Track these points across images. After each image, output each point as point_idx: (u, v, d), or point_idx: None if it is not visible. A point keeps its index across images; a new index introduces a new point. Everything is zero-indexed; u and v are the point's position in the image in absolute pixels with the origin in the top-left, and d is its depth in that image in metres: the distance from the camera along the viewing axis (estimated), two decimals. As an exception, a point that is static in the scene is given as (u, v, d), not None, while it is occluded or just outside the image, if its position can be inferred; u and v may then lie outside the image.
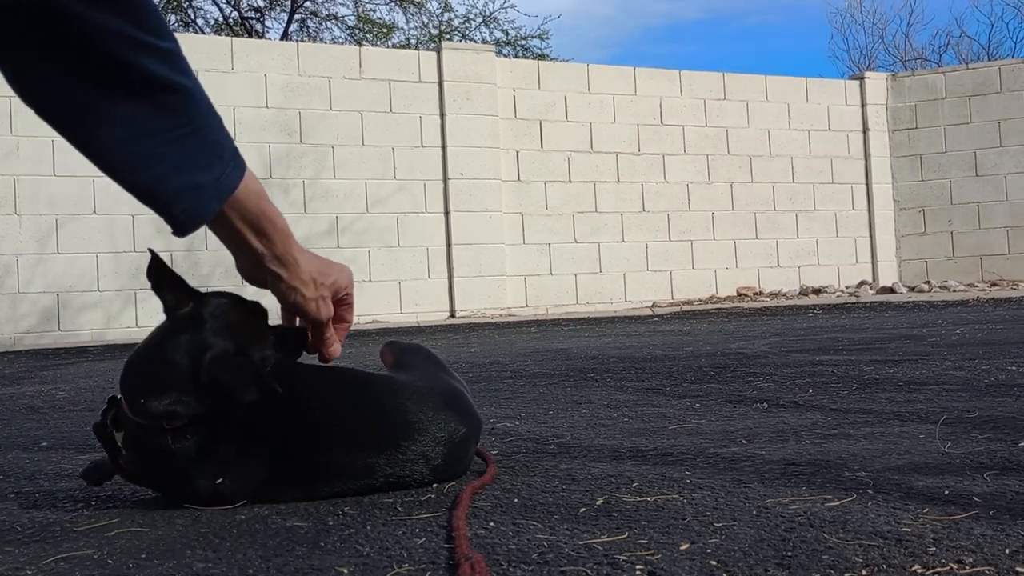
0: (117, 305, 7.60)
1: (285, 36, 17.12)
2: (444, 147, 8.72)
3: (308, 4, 17.68)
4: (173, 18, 17.24)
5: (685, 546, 0.99)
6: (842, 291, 9.81)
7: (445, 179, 8.71)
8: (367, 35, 17.68)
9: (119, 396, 1.29)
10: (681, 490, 1.26)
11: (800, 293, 9.68)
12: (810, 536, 1.00)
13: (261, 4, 17.72)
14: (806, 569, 0.89)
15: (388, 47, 16.45)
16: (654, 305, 9.20)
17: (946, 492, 1.18)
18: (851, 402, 2.10)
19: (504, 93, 9.03)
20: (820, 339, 4.29)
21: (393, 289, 8.41)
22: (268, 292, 1.31)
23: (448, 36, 17.41)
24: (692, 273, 9.69)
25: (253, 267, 1.27)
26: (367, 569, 0.96)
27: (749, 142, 10.01)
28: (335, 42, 17.19)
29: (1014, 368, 2.62)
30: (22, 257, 7.38)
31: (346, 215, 8.36)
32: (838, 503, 1.15)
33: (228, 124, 1.23)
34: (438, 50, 8.94)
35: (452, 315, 8.65)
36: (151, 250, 1.29)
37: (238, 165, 1.21)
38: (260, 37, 16.14)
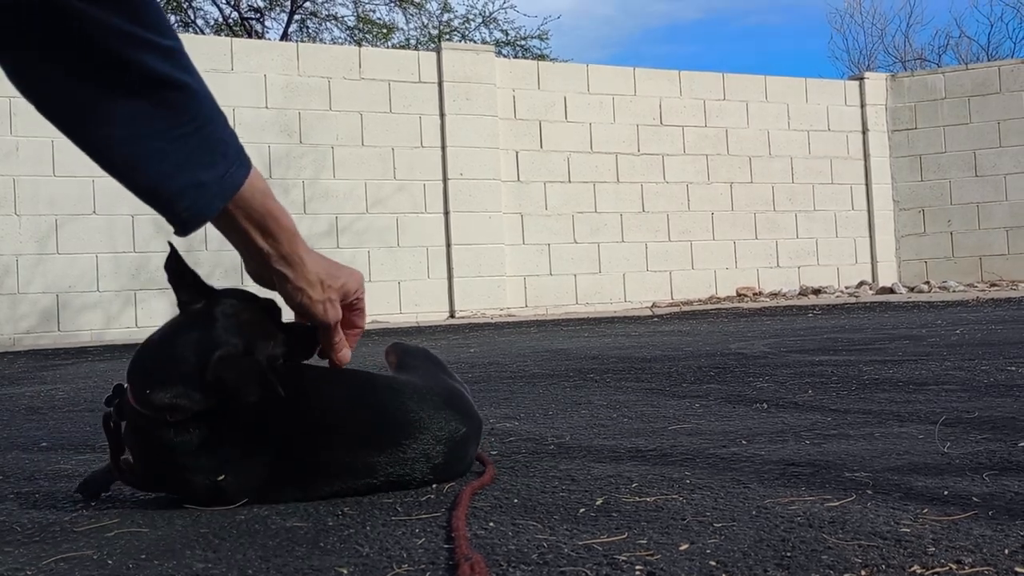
0: (117, 305, 7.61)
1: (285, 36, 17.12)
2: (444, 147, 8.72)
3: (308, 5, 17.69)
4: (173, 18, 17.23)
5: (684, 546, 0.99)
6: (842, 291, 9.82)
7: (445, 179, 8.71)
8: (367, 35, 17.68)
9: (125, 385, 1.30)
10: (681, 490, 1.26)
11: (800, 293, 9.68)
12: (809, 536, 1.00)
13: (261, 4, 17.72)
14: (805, 569, 0.89)
15: (388, 47, 16.46)
16: (654, 305, 9.20)
17: (945, 492, 1.18)
18: (850, 402, 2.10)
19: (504, 93, 9.03)
20: (820, 339, 4.29)
21: (393, 289, 8.41)
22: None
23: (448, 36, 17.41)
24: (692, 273, 9.69)
25: (260, 267, 1.26)
26: (367, 569, 0.96)
27: (749, 142, 10.01)
28: (335, 42, 17.19)
29: (1013, 368, 2.62)
30: (22, 257, 7.38)
31: (346, 215, 8.36)
32: (837, 503, 1.15)
33: (229, 125, 1.22)
34: (438, 50, 8.95)
35: (452, 315, 8.65)
36: (171, 243, 1.29)
37: (243, 163, 1.20)
38: (260, 37, 16.14)
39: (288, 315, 1.35)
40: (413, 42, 17.83)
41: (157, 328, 1.33)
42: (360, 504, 1.26)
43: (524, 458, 1.58)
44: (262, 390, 1.22)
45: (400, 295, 8.45)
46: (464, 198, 8.74)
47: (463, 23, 17.97)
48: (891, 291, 9.47)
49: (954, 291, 9.22)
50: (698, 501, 1.19)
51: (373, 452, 1.30)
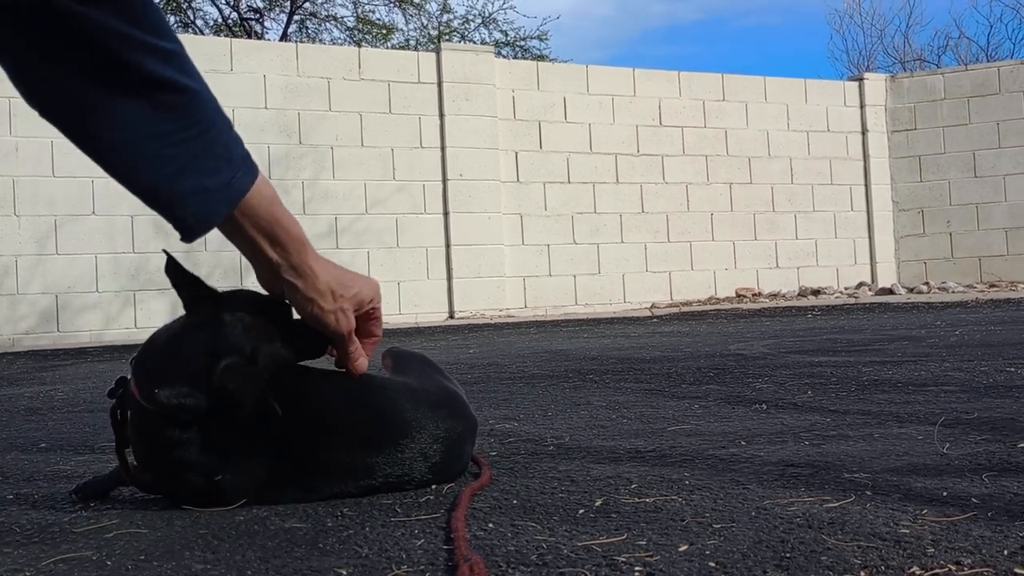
0: (116, 306, 7.60)
1: (284, 37, 17.12)
2: (443, 148, 8.72)
3: (307, 5, 17.70)
4: (173, 19, 17.24)
5: (684, 547, 0.99)
6: (841, 292, 9.82)
7: (444, 180, 8.71)
8: (366, 36, 17.68)
9: (129, 376, 1.30)
10: (680, 491, 1.26)
11: (799, 294, 9.68)
12: (809, 537, 1.00)
13: (260, 5, 17.73)
14: (804, 570, 0.89)
15: (387, 48, 16.46)
16: (653, 306, 9.20)
17: (945, 493, 1.18)
18: (850, 403, 2.10)
19: (503, 94, 9.03)
20: (819, 340, 4.29)
21: (392, 290, 8.41)
22: None
23: (447, 37, 17.41)
24: (691, 274, 9.69)
25: (271, 277, 1.25)
26: (366, 570, 0.96)
27: (748, 143, 10.01)
28: (334, 43, 17.20)
29: (1013, 369, 2.62)
30: (21, 258, 7.38)
31: (345, 216, 8.36)
32: (837, 504, 1.15)
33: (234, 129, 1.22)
34: (437, 51, 8.95)
35: (451, 316, 8.65)
36: (166, 251, 1.28)
37: (249, 170, 1.19)
38: (259, 38, 16.14)
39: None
40: (413, 43, 17.84)
41: (163, 326, 1.32)
42: (359, 505, 1.26)
43: (523, 459, 1.58)
44: (261, 405, 1.22)
45: (399, 296, 8.45)
46: (463, 199, 8.74)
47: (463, 24, 17.99)
48: (890, 292, 9.47)
49: (953, 292, 9.23)
50: (697, 502, 1.19)
51: (372, 452, 1.31)
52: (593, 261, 9.26)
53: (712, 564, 0.93)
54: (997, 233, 10.28)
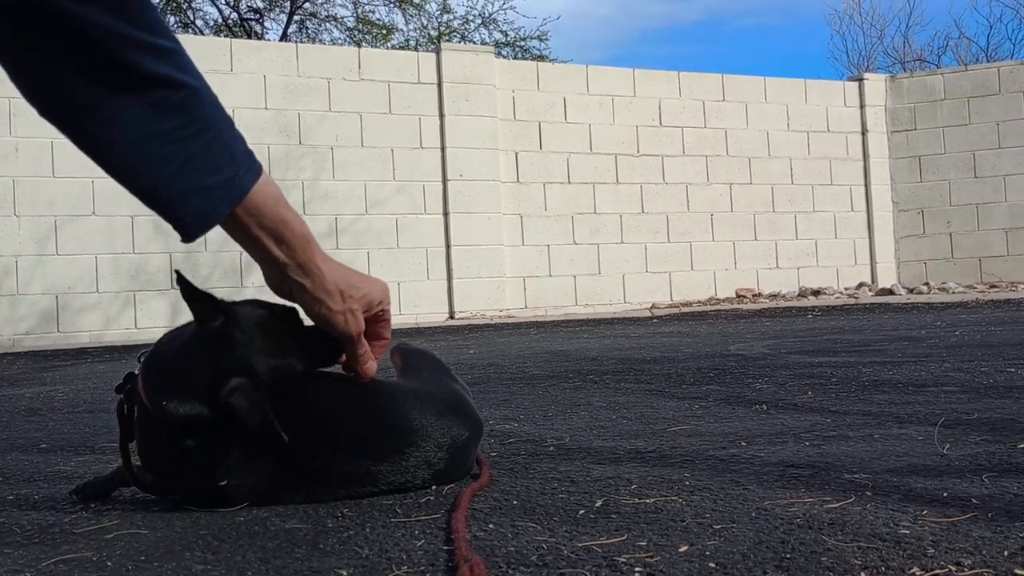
0: (116, 307, 7.60)
1: (284, 37, 17.12)
2: (443, 148, 8.72)
3: (307, 5, 17.70)
4: (172, 19, 17.24)
5: (684, 548, 0.99)
6: (841, 292, 9.82)
7: (444, 180, 8.71)
8: (366, 36, 17.69)
9: (137, 372, 1.30)
10: (680, 492, 1.26)
11: (799, 295, 9.68)
12: (809, 538, 1.00)
13: (260, 5, 17.73)
14: (805, 571, 0.89)
15: (387, 48, 16.45)
16: (653, 306, 9.20)
17: (945, 494, 1.18)
18: (850, 404, 2.10)
19: (503, 94, 9.03)
20: (819, 341, 4.29)
21: (392, 290, 8.34)
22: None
23: (447, 37, 17.41)
24: (691, 274, 9.69)
25: (278, 277, 1.23)
26: (366, 571, 0.96)
27: (748, 143, 10.01)
28: (334, 43, 17.20)
29: (1013, 370, 2.62)
30: (21, 258, 7.38)
31: (345, 216, 8.36)
32: (837, 505, 1.15)
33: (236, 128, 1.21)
34: (437, 51, 8.95)
35: (451, 316, 8.65)
36: (178, 272, 1.26)
37: (252, 168, 1.18)
38: (259, 38, 16.14)
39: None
40: (412, 43, 17.85)
41: (174, 331, 1.32)
42: (359, 506, 1.27)
43: (523, 459, 1.58)
44: (264, 427, 1.22)
45: (400, 296, 8.45)
46: (463, 199, 8.74)
47: (462, 24, 17.99)
48: (890, 292, 9.47)
49: (953, 292, 9.23)
50: (697, 503, 1.19)
51: (376, 460, 1.30)
52: (593, 261, 9.26)
53: (712, 565, 0.93)
54: (997, 233, 10.28)
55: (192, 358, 1.25)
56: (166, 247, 7.56)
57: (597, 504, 1.21)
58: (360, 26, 17.65)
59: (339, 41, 17.69)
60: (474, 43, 17.03)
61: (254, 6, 17.70)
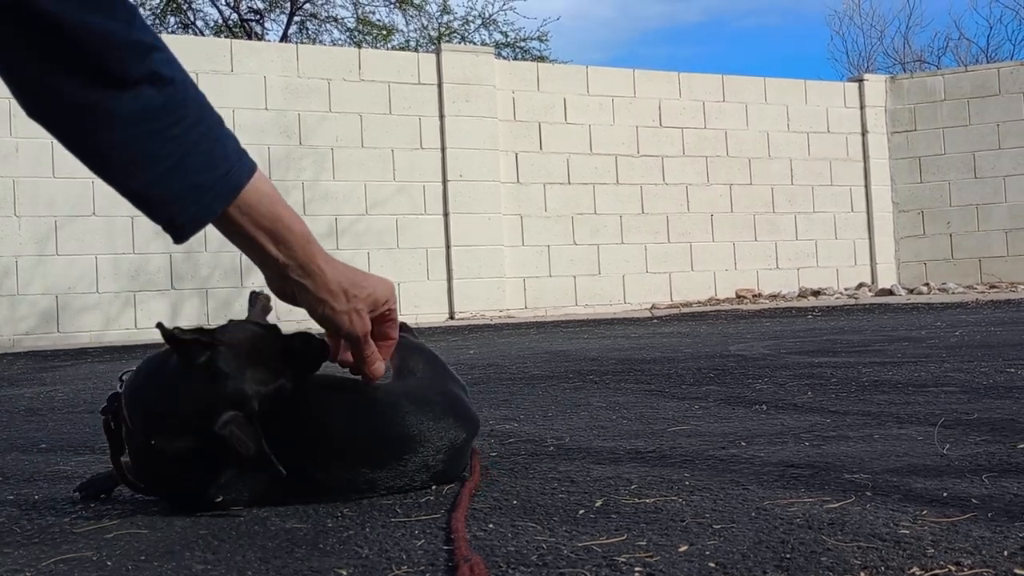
0: (116, 307, 7.60)
1: (284, 38, 17.12)
2: (443, 149, 8.73)
3: (307, 6, 17.70)
4: (172, 20, 17.25)
5: (684, 548, 0.99)
6: (841, 293, 9.82)
7: (444, 181, 8.72)
8: (366, 37, 17.69)
9: (119, 391, 1.29)
10: (680, 492, 1.26)
11: (799, 295, 9.68)
12: (808, 538, 1.00)
13: (260, 6, 17.74)
14: (804, 571, 0.89)
15: (387, 49, 16.46)
16: (653, 307, 9.20)
17: (945, 494, 1.18)
18: (850, 404, 2.10)
19: (503, 95, 9.03)
20: (819, 341, 4.29)
21: (392, 291, 8.40)
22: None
23: (447, 38, 17.42)
24: (691, 275, 9.69)
25: (279, 279, 1.20)
26: (366, 571, 0.96)
27: (748, 144, 10.02)
28: (334, 44, 17.20)
29: (1013, 370, 2.62)
30: (21, 259, 7.38)
31: (345, 217, 8.36)
32: (837, 505, 1.15)
33: (228, 126, 1.19)
34: (437, 52, 8.95)
35: (451, 317, 8.65)
36: (160, 324, 1.22)
37: (245, 165, 1.15)
38: (259, 39, 16.15)
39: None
40: (413, 44, 17.85)
41: (154, 360, 1.28)
42: (359, 506, 1.26)
43: (523, 460, 1.58)
44: (259, 459, 1.20)
45: (400, 297, 8.45)
46: (464, 199, 8.74)
47: (463, 25, 17.99)
48: (890, 293, 9.47)
49: (953, 293, 9.23)
50: (697, 503, 1.19)
51: (375, 468, 1.30)
52: (593, 262, 9.26)
53: (712, 565, 0.93)
54: (997, 234, 10.28)
55: (179, 394, 1.22)
56: (166, 247, 7.56)
57: (597, 504, 1.21)
58: (360, 27, 17.65)
59: (339, 42, 17.70)
60: (474, 44, 17.03)
61: (254, 7, 17.72)
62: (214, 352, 1.22)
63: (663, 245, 9.57)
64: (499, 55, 15.40)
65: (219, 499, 1.24)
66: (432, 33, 17.79)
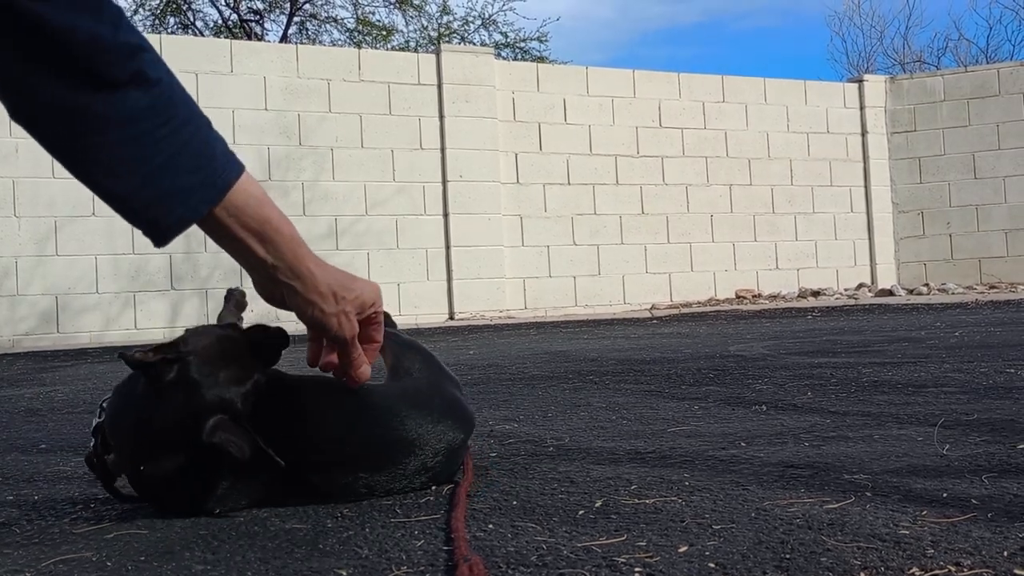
0: (116, 307, 7.60)
1: (284, 39, 17.13)
2: (443, 149, 8.73)
3: (307, 7, 17.70)
4: (172, 20, 17.25)
5: (683, 548, 0.99)
6: (841, 293, 9.82)
7: (444, 181, 8.72)
8: (366, 38, 17.69)
9: (99, 419, 1.29)
10: (680, 492, 1.26)
11: (799, 295, 9.68)
12: (808, 538, 1.00)
13: (260, 7, 17.74)
14: (804, 571, 0.89)
15: (387, 50, 16.46)
16: (653, 307, 9.20)
17: (944, 494, 1.18)
18: (850, 404, 2.10)
19: (503, 95, 9.03)
20: (819, 341, 4.29)
21: (392, 291, 8.41)
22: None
23: (447, 39, 17.42)
24: (691, 275, 9.69)
25: (268, 282, 1.18)
26: (366, 571, 0.96)
27: (748, 144, 10.02)
28: (334, 44, 17.21)
29: (1012, 371, 2.62)
30: (21, 259, 7.38)
31: (345, 217, 8.36)
32: (836, 505, 1.15)
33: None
34: (437, 52, 8.95)
35: (451, 317, 8.65)
36: (121, 354, 1.21)
37: (232, 167, 1.14)
38: (259, 40, 16.14)
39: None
40: (412, 44, 17.85)
41: (124, 387, 1.27)
42: (359, 506, 1.26)
43: (523, 460, 1.58)
44: (257, 455, 1.19)
45: (399, 297, 8.45)
46: (463, 200, 8.74)
47: (462, 25, 17.99)
48: (890, 293, 9.47)
49: (953, 293, 9.23)
50: (697, 503, 1.19)
51: (373, 472, 1.29)
52: (593, 262, 9.26)
53: (712, 565, 0.93)
54: (997, 235, 10.29)
55: (159, 417, 1.21)
56: (166, 247, 7.55)
57: (597, 504, 1.21)
58: (360, 27, 17.65)
59: (339, 42, 17.70)
60: (474, 44, 17.04)
61: (254, 7, 17.72)
62: (183, 365, 1.21)
63: (663, 245, 9.57)
64: (499, 56, 15.40)
65: (217, 512, 1.23)
66: (432, 33, 17.79)
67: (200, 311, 7.60)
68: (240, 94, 7.93)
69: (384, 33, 17.70)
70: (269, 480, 1.25)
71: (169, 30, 16.91)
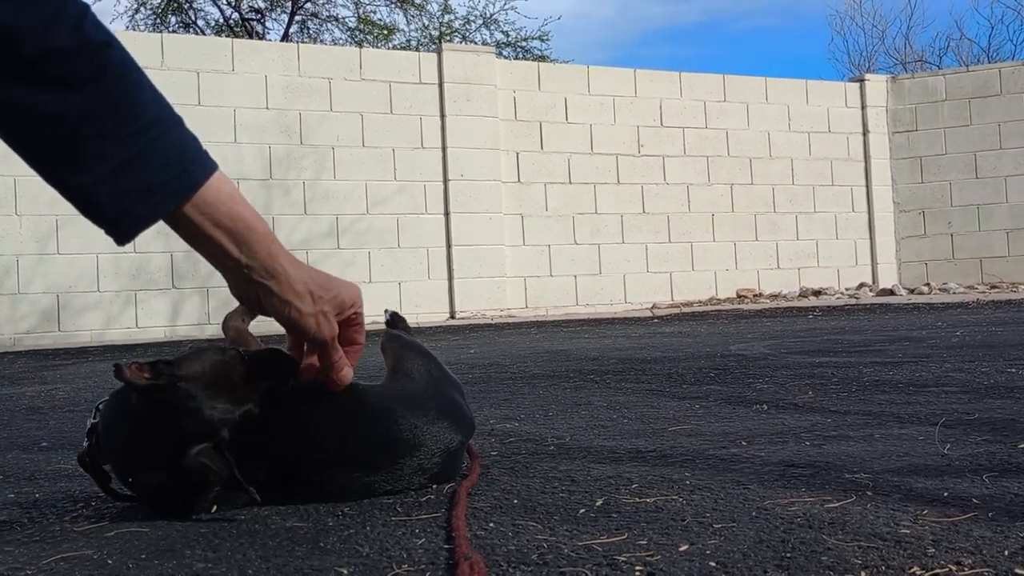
0: (117, 306, 7.60)
1: (286, 37, 17.12)
2: (444, 148, 8.72)
3: (309, 5, 17.70)
4: (173, 19, 17.25)
5: (684, 547, 0.99)
6: (842, 293, 9.82)
7: (445, 180, 8.72)
8: (368, 36, 17.69)
9: (95, 421, 1.29)
10: (680, 491, 1.26)
11: (800, 295, 9.68)
12: (809, 537, 1.00)
13: (262, 5, 17.74)
14: (805, 571, 0.89)
15: (388, 49, 16.46)
16: (654, 307, 9.20)
17: (945, 494, 1.18)
18: (850, 404, 2.10)
19: (504, 94, 9.03)
20: (820, 341, 4.29)
21: (393, 290, 8.41)
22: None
23: (448, 38, 17.42)
24: (692, 275, 9.69)
25: (242, 282, 1.15)
26: (367, 570, 0.96)
27: (749, 144, 10.01)
28: (336, 43, 17.20)
29: (1013, 370, 2.62)
30: (22, 258, 7.38)
31: (346, 216, 8.36)
32: (837, 504, 1.15)
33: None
34: (438, 51, 8.95)
35: (452, 316, 8.65)
36: (116, 364, 1.20)
37: (203, 165, 1.11)
38: (261, 38, 16.14)
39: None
40: (414, 43, 17.85)
41: (115, 401, 1.28)
42: (360, 504, 1.27)
43: (524, 459, 1.58)
44: (232, 484, 1.19)
45: (400, 296, 8.45)
46: (464, 199, 8.74)
47: (464, 24, 18.00)
48: (891, 293, 9.47)
49: (954, 293, 9.22)
50: (698, 502, 1.19)
51: (370, 473, 1.29)
52: (594, 261, 9.26)
53: (713, 564, 0.93)
54: (998, 234, 10.28)
55: (147, 433, 1.21)
56: (167, 247, 7.56)
57: (598, 503, 1.21)
58: (361, 26, 17.65)
59: (340, 41, 17.70)
60: (475, 43, 17.03)
61: (255, 6, 17.71)
62: (174, 390, 1.19)
63: (664, 245, 9.57)
64: (500, 55, 15.40)
65: (214, 510, 1.24)
66: (433, 33, 17.79)
67: (201, 310, 7.60)
68: (241, 93, 7.93)
69: (385, 32, 17.71)
70: (265, 484, 1.25)
71: (170, 29, 16.91)
